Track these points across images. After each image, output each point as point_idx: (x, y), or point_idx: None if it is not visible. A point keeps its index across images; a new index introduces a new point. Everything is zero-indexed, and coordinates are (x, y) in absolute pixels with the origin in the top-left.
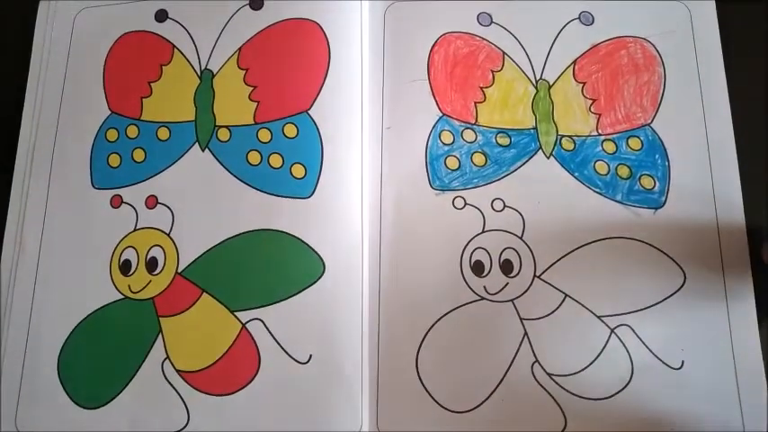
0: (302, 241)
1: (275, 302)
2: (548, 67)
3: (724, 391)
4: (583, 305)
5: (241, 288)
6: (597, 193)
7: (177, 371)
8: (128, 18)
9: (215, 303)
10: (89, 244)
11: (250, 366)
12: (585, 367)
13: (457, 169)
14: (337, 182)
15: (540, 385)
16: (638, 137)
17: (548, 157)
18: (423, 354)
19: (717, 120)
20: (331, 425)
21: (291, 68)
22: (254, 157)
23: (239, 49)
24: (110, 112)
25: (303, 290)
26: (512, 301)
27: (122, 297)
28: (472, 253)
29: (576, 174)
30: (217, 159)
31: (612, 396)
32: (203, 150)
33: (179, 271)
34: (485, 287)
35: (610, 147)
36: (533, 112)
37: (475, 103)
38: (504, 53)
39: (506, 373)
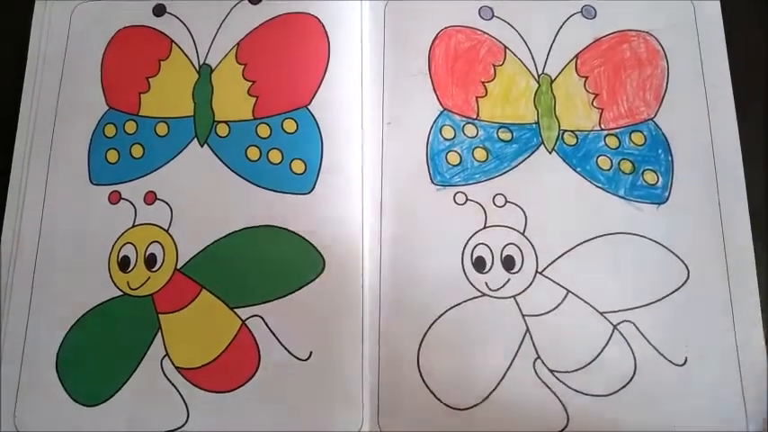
0: (302, 237)
1: (275, 299)
2: (550, 62)
3: (728, 387)
4: (585, 301)
5: (241, 284)
6: (600, 188)
7: (176, 368)
8: (125, 13)
9: (214, 300)
10: (87, 240)
11: (250, 363)
12: (588, 364)
13: (458, 164)
14: (337, 178)
15: (543, 382)
16: (641, 131)
17: (550, 153)
18: (424, 350)
19: (720, 114)
20: (331, 423)
21: (290, 63)
22: (253, 153)
23: (238, 43)
24: (107, 108)
25: (303, 286)
26: (513, 297)
27: (121, 294)
28: (474, 249)
29: (579, 169)
30: (216, 155)
31: (615, 393)
32: (202, 146)
33: (178, 267)
34: (486, 283)
35: (612, 142)
36: (535, 106)
37: (476, 97)
38: (505, 47)
39: (508, 369)
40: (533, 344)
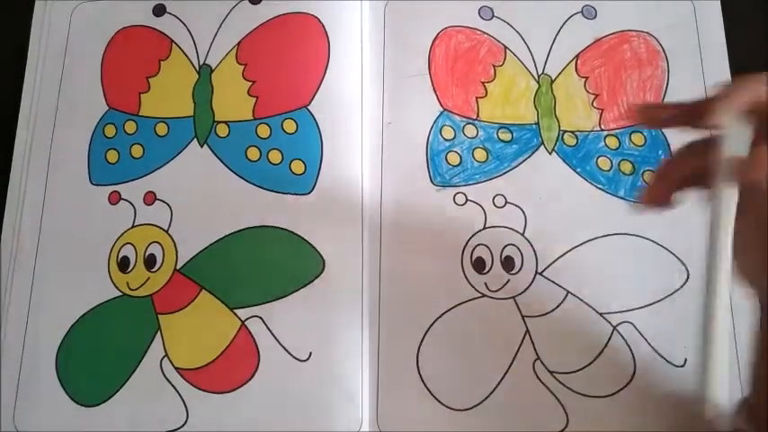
0: (302, 238)
1: (274, 300)
2: (550, 62)
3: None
4: (585, 302)
5: (240, 285)
6: (600, 189)
7: (176, 368)
8: (125, 13)
9: (214, 300)
10: (87, 240)
11: (249, 364)
12: (588, 365)
13: (458, 165)
14: (337, 178)
15: (542, 383)
16: (641, 132)
17: (550, 153)
18: (423, 351)
19: None
20: (331, 424)
21: (291, 63)
22: (253, 153)
23: (238, 43)
24: (107, 108)
25: (303, 287)
26: (513, 298)
27: (121, 294)
28: (473, 250)
29: (579, 169)
30: (215, 155)
31: (615, 393)
32: (202, 146)
33: (178, 268)
34: (486, 284)
35: (613, 142)
36: (535, 107)
37: (476, 97)
38: (505, 47)
39: (508, 370)
40: (533, 345)
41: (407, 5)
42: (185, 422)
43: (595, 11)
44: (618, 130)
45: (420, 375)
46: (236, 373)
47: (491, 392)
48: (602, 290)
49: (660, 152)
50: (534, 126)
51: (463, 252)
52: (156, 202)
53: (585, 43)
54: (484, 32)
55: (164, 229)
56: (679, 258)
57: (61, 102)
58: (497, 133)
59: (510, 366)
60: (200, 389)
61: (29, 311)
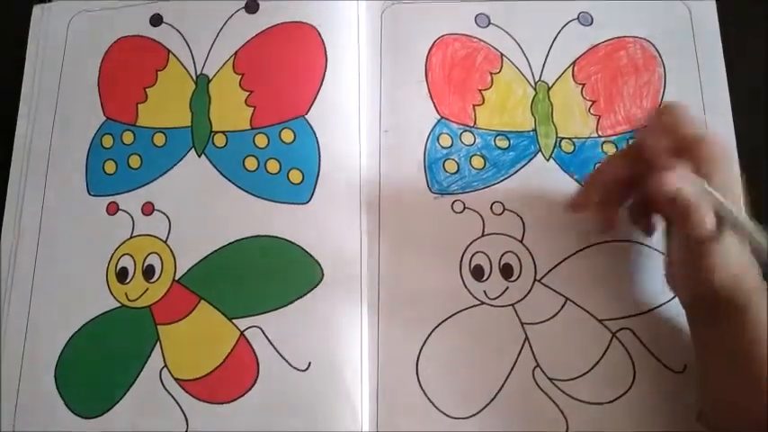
0: (300, 247)
1: (273, 309)
2: (547, 69)
3: None
4: (584, 309)
5: (239, 295)
6: None
7: (175, 379)
8: (123, 22)
9: (213, 311)
10: (85, 252)
11: (249, 374)
12: (587, 372)
13: (456, 172)
14: (335, 187)
15: (542, 390)
16: None
17: (547, 160)
18: (423, 360)
19: (718, 119)
20: None
21: (288, 73)
22: (250, 163)
23: (235, 53)
24: (105, 118)
25: (302, 296)
26: (512, 305)
27: (119, 305)
28: (472, 257)
29: (577, 176)
30: (213, 165)
31: (615, 400)
32: (199, 156)
33: (176, 278)
34: (485, 292)
35: (610, 148)
36: (532, 114)
37: (473, 105)
38: (502, 55)
39: (507, 378)
40: (532, 352)
41: (404, 14)
42: None
43: (591, 17)
44: (615, 137)
45: (420, 384)
46: (236, 384)
47: (491, 400)
48: (602, 296)
49: None
50: (531, 133)
51: (462, 260)
52: (155, 212)
53: (582, 50)
54: (480, 40)
55: (162, 240)
56: None
57: (58, 112)
58: (495, 141)
59: (509, 374)
60: (199, 399)
61: (27, 323)
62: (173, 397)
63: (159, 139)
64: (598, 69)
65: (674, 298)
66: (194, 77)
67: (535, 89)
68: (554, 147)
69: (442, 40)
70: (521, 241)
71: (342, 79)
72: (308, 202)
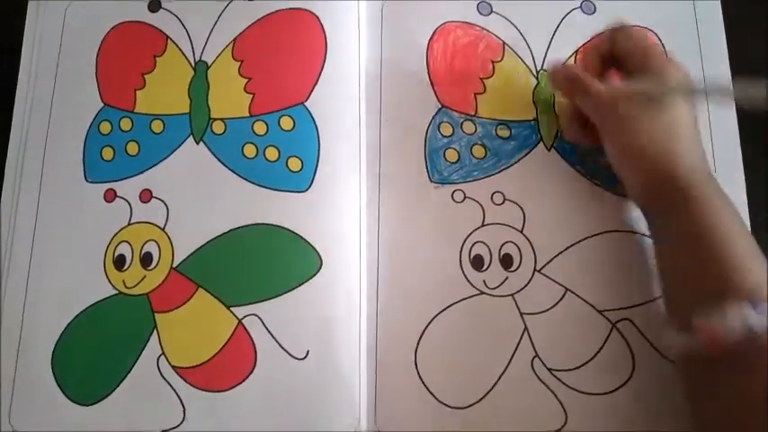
0: (299, 236)
1: (272, 298)
2: (549, 58)
3: None
4: (584, 299)
5: (237, 283)
6: (599, 185)
7: (173, 367)
8: (120, 8)
9: (211, 299)
10: (83, 239)
11: (246, 362)
12: (586, 362)
13: (456, 162)
14: (334, 175)
15: (541, 380)
16: None
17: (549, 150)
18: (421, 349)
19: (720, 113)
20: (329, 422)
21: (287, 59)
22: (249, 150)
23: (234, 39)
24: (102, 105)
25: (300, 285)
26: (512, 295)
27: (117, 292)
28: (472, 247)
29: (578, 166)
30: (212, 152)
31: (614, 391)
32: (198, 143)
33: (174, 266)
34: (484, 281)
35: None
36: (534, 103)
37: (474, 94)
38: (504, 43)
39: (506, 368)
40: (531, 342)
41: (406, 0)
42: (182, 421)
43: (594, 6)
44: None
45: (418, 373)
46: (234, 372)
47: (489, 390)
48: (602, 287)
49: None
50: (533, 122)
51: (461, 249)
52: (152, 199)
53: (584, 39)
54: (483, 28)
55: (160, 227)
56: None
57: (56, 99)
58: (496, 130)
59: (508, 364)
60: (197, 387)
61: (24, 310)
62: (170, 385)
63: (157, 126)
64: None
65: None
66: (193, 64)
67: (537, 78)
68: (555, 136)
69: (444, 28)
70: (521, 231)
71: (342, 66)
72: (307, 190)
